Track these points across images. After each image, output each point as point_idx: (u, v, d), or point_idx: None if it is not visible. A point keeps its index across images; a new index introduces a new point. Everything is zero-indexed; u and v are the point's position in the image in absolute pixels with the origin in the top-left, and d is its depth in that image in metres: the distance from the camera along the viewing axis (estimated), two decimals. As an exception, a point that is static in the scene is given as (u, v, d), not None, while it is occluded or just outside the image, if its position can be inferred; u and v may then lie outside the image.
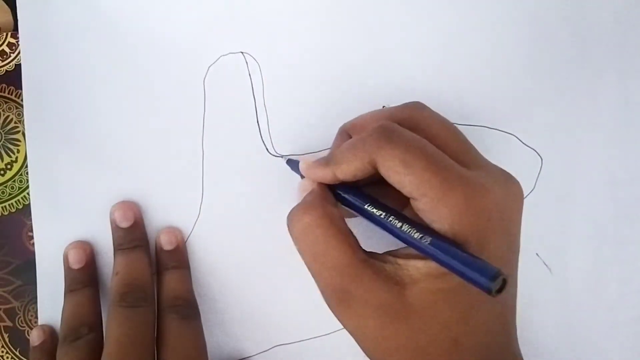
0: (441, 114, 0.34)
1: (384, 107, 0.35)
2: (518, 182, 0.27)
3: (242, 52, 0.34)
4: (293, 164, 0.33)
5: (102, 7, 0.34)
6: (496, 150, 0.35)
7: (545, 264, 0.35)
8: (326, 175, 0.28)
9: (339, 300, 0.26)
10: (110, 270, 0.33)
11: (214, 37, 0.34)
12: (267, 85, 0.35)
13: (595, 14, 0.35)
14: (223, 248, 0.35)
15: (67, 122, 0.34)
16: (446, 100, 0.35)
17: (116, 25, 0.34)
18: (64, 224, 0.34)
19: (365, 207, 0.27)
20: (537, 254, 0.35)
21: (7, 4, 0.33)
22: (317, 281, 0.28)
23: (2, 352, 0.35)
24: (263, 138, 0.35)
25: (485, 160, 0.28)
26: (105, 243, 0.34)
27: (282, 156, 0.35)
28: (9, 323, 0.35)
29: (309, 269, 0.28)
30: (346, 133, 0.31)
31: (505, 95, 0.35)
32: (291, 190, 0.35)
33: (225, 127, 0.35)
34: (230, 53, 0.34)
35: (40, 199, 0.34)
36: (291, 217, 0.28)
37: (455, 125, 0.29)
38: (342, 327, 0.34)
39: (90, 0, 0.34)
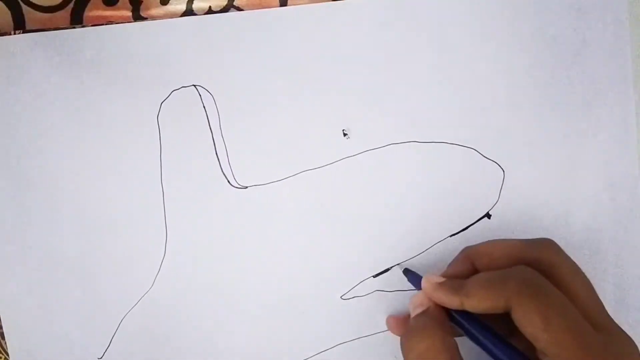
0: (398, 130, 0.34)
1: (343, 131, 0.34)
2: (637, 346, 0.27)
3: (194, 85, 0.34)
4: (411, 276, 0.33)
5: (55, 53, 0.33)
6: (458, 166, 0.35)
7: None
8: (452, 303, 0.28)
9: None
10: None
11: (164, 72, 0.33)
12: (224, 117, 0.34)
13: (554, 20, 0.35)
14: (192, 285, 0.34)
15: (20, 176, 0.33)
16: (403, 118, 0.34)
17: (64, 67, 0.33)
18: (30, 272, 0.34)
19: (485, 339, 0.28)
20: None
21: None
22: None
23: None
24: (223, 170, 0.34)
25: (611, 320, 0.28)
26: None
27: (244, 187, 0.34)
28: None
29: None
30: (469, 259, 0.31)
31: (462, 109, 0.35)
32: (257, 222, 0.34)
33: (184, 163, 0.34)
34: (182, 87, 0.33)
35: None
36: (407, 340, 0.28)
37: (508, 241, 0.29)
38: (318, 352, 0.35)
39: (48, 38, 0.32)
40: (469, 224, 0.35)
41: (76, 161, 0.34)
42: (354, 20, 0.34)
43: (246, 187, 0.34)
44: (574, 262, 0.29)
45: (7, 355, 0.34)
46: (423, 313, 0.30)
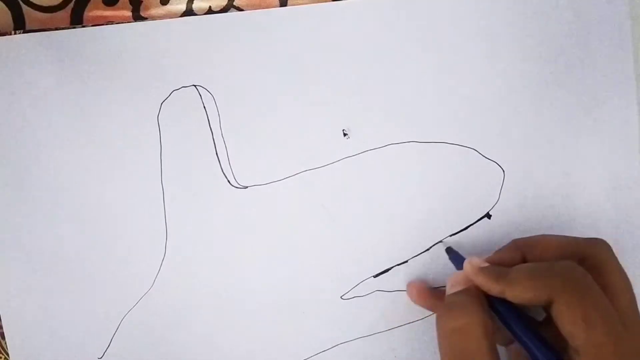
0: (398, 130, 0.34)
1: (343, 131, 0.34)
2: None
3: (194, 85, 0.34)
4: (454, 255, 0.33)
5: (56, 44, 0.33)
6: (458, 166, 0.35)
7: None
8: (493, 289, 0.28)
9: None
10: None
11: (164, 73, 0.33)
12: (224, 117, 0.34)
13: (554, 20, 0.35)
14: (192, 285, 0.34)
15: (20, 176, 0.33)
16: (403, 118, 0.34)
17: (64, 67, 0.33)
18: (27, 274, 0.34)
19: (521, 331, 0.28)
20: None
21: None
22: None
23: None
24: (224, 170, 0.34)
25: None
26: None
27: (245, 187, 0.34)
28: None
29: None
30: (519, 250, 0.30)
31: (462, 110, 0.35)
32: (257, 222, 0.34)
33: (184, 163, 0.34)
34: (182, 87, 0.34)
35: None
36: (445, 315, 0.28)
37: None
38: (319, 351, 0.35)
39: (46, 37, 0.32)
40: (469, 224, 0.35)
41: (76, 161, 0.34)
42: (353, 20, 0.34)
43: (246, 187, 0.34)
44: (622, 268, 0.29)
45: (7, 355, 0.34)
46: (463, 291, 0.29)
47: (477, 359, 0.26)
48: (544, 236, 0.31)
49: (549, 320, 0.27)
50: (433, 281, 0.35)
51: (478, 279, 0.29)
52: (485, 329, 0.27)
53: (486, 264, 0.29)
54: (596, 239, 0.30)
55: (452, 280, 0.30)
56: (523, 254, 0.30)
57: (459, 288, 0.29)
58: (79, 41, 0.33)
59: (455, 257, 0.33)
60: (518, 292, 0.27)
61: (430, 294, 0.33)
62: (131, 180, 0.34)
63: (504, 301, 0.28)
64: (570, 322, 0.26)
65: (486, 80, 0.35)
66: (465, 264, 0.30)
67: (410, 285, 0.34)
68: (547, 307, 0.27)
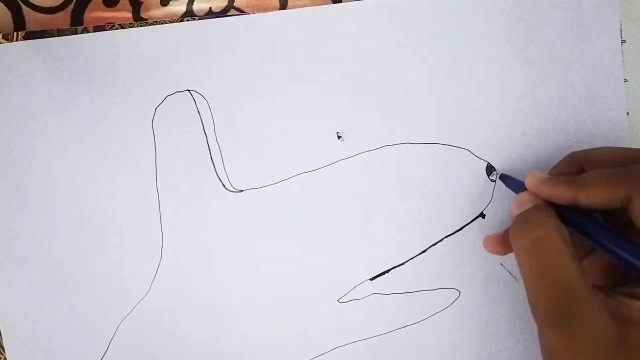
0: (392, 132, 0.34)
1: (338, 134, 0.34)
2: None
3: (188, 90, 0.34)
4: (510, 180, 0.33)
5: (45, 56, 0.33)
6: (451, 166, 0.35)
7: (510, 273, 0.35)
8: (565, 194, 0.28)
9: (559, 320, 0.25)
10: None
11: (158, 78, 0.34)
12: (218, 121, 0.34)
13: (546, 20, 0.35)
14: (189, 290, 0.34)
15: (16, 182, 0.33)
16: (397, 120, 0.35)
17: (58, 73, 0.33)
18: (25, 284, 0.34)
19: (599, 233, 0.27)
20: (501, 264, 0.35)
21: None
22: (537, 297, 0.26)
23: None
24: (219, 174, 0.34)
25: None
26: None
27: (240, 191, 0.34)
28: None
29: (531, 283, 0.27)
30: (577, 162, 0.31)
31: (455, 111, 0.35)
32: (253, 225, 0.34)
33: (179, 168, 0.34)
34: (176, 92, 0.34)
35: None
36: (519, 229, 0.28)
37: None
38: (316, 355, 0.35)
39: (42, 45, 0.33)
40: (464, 224, 0.35)
41: (72, 167, 0.34)
42: (348, 23, 0.34)
43: (241, 191, 0.34)
44: None
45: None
46: (532, 207, 0.29)
47: (560, 266, 0.26)
48: (601, 148, 0.31)
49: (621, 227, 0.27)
50: (431, 283, 0.35)
51: (547, 188, 0.29)
52: (564, 237, 0.27)
53: (548, 176, 0.29)
54: None
55: (518, 201, 0.30)
56: (582, 166, 0.30)
57: (529, 205, 0.29)
58: (74, 47, 0.33)
59: (513, 182, 0.33)
60: (593, 194, 0.27)
61: (505, 237, 0.32)
62: (126, 186, 0.34)
63: (575, 212, 0.28)
64: None
65: (479, 81, 0.35)
66: (529, 179, 0.30)
67: (485, 241, 0.33)
68: (624, 206, 0.26)
